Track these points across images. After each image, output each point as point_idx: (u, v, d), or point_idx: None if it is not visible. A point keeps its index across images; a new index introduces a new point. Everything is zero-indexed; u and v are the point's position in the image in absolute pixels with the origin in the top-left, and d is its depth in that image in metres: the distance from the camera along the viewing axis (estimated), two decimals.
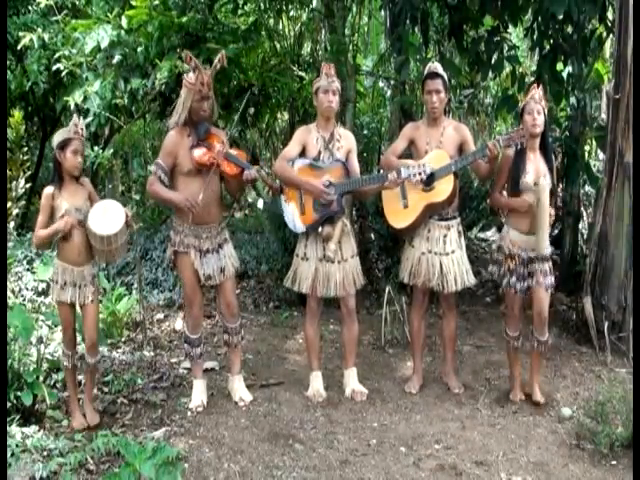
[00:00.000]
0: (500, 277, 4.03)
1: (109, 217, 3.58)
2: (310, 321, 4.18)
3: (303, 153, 4.02)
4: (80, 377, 4.01)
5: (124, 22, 5.03)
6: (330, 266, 3.99)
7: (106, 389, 4.17)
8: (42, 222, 3.58)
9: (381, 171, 4.19)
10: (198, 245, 3.86)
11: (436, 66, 4.07)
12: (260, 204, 4.34)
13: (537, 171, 3.85)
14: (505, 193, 4.01)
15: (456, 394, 4.21)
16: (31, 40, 5.34)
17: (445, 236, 4.04)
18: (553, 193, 3.87)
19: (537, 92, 3.85)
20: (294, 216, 4.00)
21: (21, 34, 5.43)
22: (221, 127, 4.87)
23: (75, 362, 3.76)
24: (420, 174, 3.78)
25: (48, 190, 3.59)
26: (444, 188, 3.89)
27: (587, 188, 6.71)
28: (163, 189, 3.78)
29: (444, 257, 4.03)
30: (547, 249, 3.84)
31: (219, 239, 3.93)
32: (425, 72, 4.09)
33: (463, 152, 4.00)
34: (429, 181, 3.89)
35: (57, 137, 3.63)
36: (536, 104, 3.82)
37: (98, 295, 3.82)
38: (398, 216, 4.07)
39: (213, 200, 3.84)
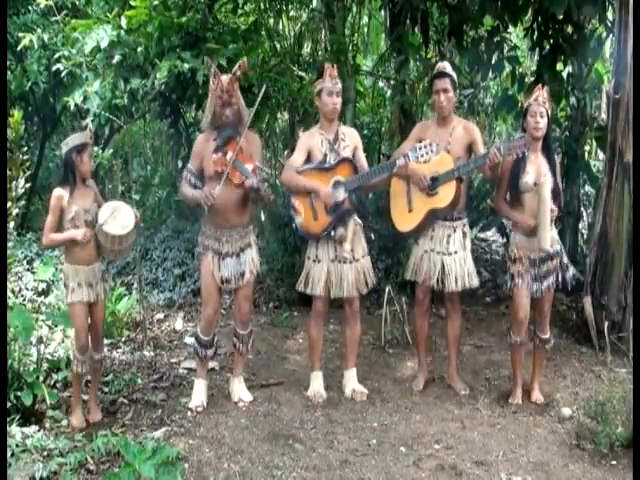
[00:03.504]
0: (508, 284, 4.02)
1: (119, 218, 3.63)
2: (315, 322, 4.17)
3: (309, 158, 4.01)
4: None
5: (124, 22, 5.02)
6: (342, 267, 3.99)
7: (106, 389, 4.17)
8: (52, 223, 3.59)
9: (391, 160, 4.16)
10: (217, 248, 3.87)
11: (445, 65, 4.07)
12: None
13: (538, 171, 3.84)
14: (509, 196, 4.00)
15: (456, 394, 4.21)
16: (31, 40, 5.34)
17: (449, 236, 4.04)
18: (557, 193, 3.86)
19: (541, 94, 3.82)
20: (307, 225, 3.99)
21: (21, 35, 5.43)
22: None
23: (86, 366, 3.74)
24: (428, 153, 3.76)
25: (59, 192, 3.59)
26: (446, 194, 3.90)
27: (587, 188, 6.71)
28: (188, 189, 3.86)
29: (446, 257, 4.03)
30: (549, 246, 3.79)
31: (241, 243, 3.91)
32: (434, 72, 4.10)
33: (472, 152, 4.00)
34: (433, 186, 3.90)
35: (74, 140, 3.64)
36: (539, 106, 3.78)
37: (107, 291, 3.88)
38: (403, 219, 4.09)
39: (231, 206, 3.81)
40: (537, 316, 4.01)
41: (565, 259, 3.97)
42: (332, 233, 3.93)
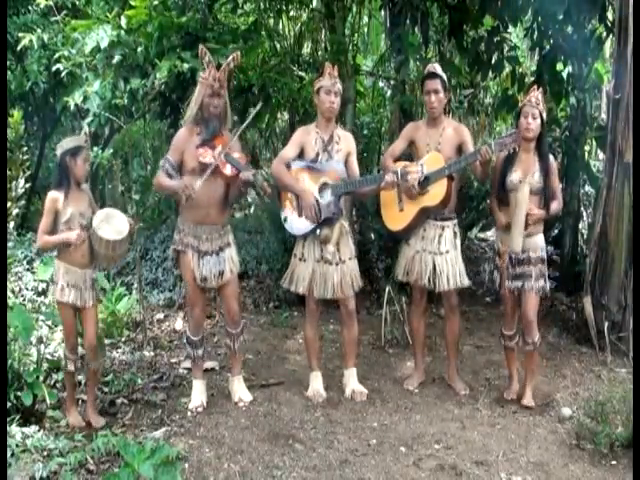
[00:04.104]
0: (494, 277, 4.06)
1: (114, 223, 3.63)
2: (310, 321, 4.17)
3: (302, 154, 4.02)
4: (79, 377, 4.01)
5: (124, 22, 5.02)
6: (327, 267, 3.98)
7: (106, 389, 4.17)
8: (46, 225, 3.57)
9: (381, 172, 4.20)
10: (197, 245, 3.85)
11: (435, 66, 4.10)
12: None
13: (525, 171, 3.83)
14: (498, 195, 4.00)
15: (456, 394, 4.21)
16: (31, 40, 5.34)
17: (440, 236, 4.05)
18: (547, 195, 3.84)
19: (535, 95, 3.81)
20: (291, 218, 4.00)
21: (21, 35, 5.43)
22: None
23: (77, 365, 3.75)
24: (417, 172, 3.79)
25: (54, 194, 3.58)
26: (437, 192, 3.91)
27: (587, 188, 6.72)
28: (165, 179, 3.79)
29: (437, 256, 4.04)
30: (520, 249, 3.79)
31: (220, 242, 3.91)
32: (424, 72, 4.12)
33: (462, 153, 4.00)
34: (424, 184, 3.91)
35: (68, 143, 3.64)
36: (532, 108, 3.77)
37: (97, 300, 3.84)
38: (394, 219, 4.11)
39: (213, 202, 3.81)
40: (523, 319, 3.99)
41: (543, 269, 3.90)
42: (317, 232, 3.94)
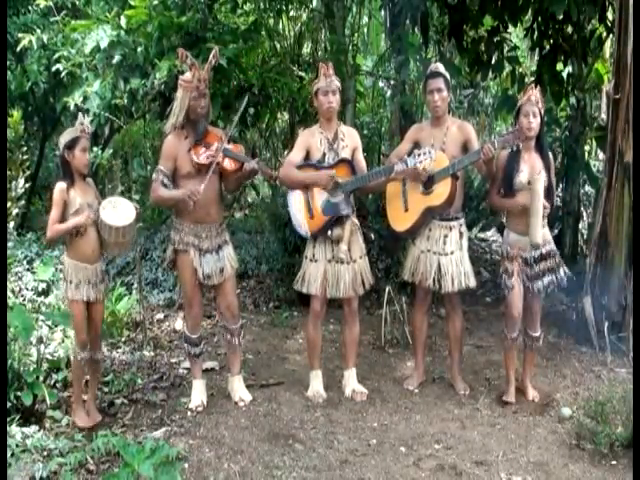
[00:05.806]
0: (501, 280, 4.03)
1: (120, 210, 3.64)
2: (313, 322, 4.16)
3: (308, 157, 4.01)
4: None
5: (123, 22, 5.03)
6: (339, 267, 3.98)
7: (106, 389, 4.17)
8: (57, 216, 3.57)
9: (388, 164, 4.18)
10: (198, 244, 3.86)
11: (437, 65, 4.09)
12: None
13: (531, 170, 3.84)
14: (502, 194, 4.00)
15: (456, 394, 4.21)
16: (30, 41, 5.35)
17: (446, 236, 4.04)
18: (550, 191, 3.86)
19: (534, 94, 3.82)
20: (303, 221, 4.00)
21: (21, 35, 5.44)
22: (221, 127, 4.87)
23: (85, 362, 3.74)
24: (426, 158, 3.76)
25: (61, 185, 3.59)
26: (442, 191, 3.90)
27: (587, 188, 6.73)
28: (165, 191, 3.78)
29: (443, 257, 4.03)
30: (541, 240, 3.78)
31: (219, 239, 3.93)
32: (427, 72, 4.11)
33: (468, 151, 4.00)
34: (428, 184, 3.90)
35: (64, 137, 3.64)
36: (532, 106, 3.78)
37: (107, 292, 3.91)
38: (399, 219, 4.10)
39: (212, 200, 3.83)
40: (528, 314, 4.00)
41: (558, 259, 3.95)
42: (329, 233, 3.94)
